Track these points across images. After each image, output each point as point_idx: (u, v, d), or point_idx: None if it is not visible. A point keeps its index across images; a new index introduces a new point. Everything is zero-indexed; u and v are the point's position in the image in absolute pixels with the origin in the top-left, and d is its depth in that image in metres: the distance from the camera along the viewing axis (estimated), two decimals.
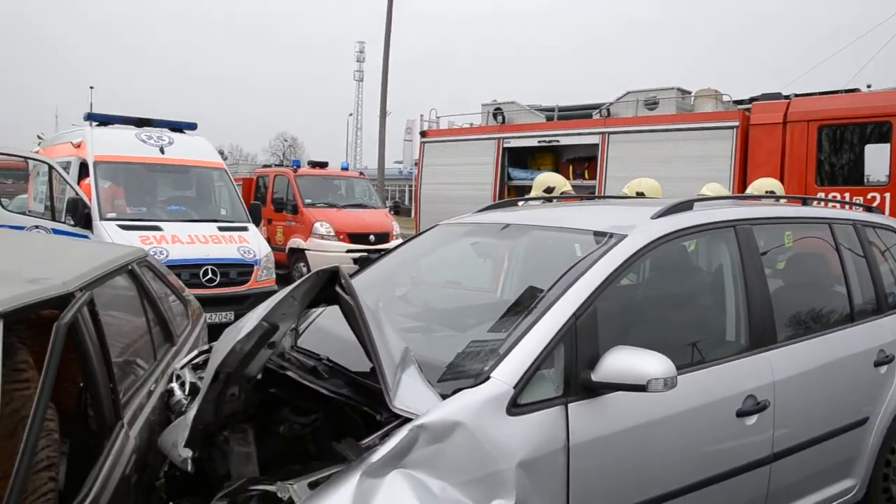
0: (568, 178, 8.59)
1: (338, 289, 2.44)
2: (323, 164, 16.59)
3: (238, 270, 8.49)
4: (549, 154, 12.35)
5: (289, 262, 14.15)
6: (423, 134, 14.25)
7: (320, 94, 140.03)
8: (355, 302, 2.36)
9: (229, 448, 2.65)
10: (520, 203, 4.49)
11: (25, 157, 9.63)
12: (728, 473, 2.94)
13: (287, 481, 2.25)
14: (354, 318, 2.40)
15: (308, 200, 14.57)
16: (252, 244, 8.86)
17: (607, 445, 2.57)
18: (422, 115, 14.61)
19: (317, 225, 13.86)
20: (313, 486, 2.22)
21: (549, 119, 12.40)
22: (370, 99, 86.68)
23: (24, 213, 9.28)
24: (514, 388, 2.39)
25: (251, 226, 9.35)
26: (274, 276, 9.10)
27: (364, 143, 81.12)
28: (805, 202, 4.51)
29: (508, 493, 2.29)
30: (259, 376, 2.83)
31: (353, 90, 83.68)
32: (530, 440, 2.38)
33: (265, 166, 21.21)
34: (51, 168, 8.64)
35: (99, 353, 2.40)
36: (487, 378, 2.40)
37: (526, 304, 2.76)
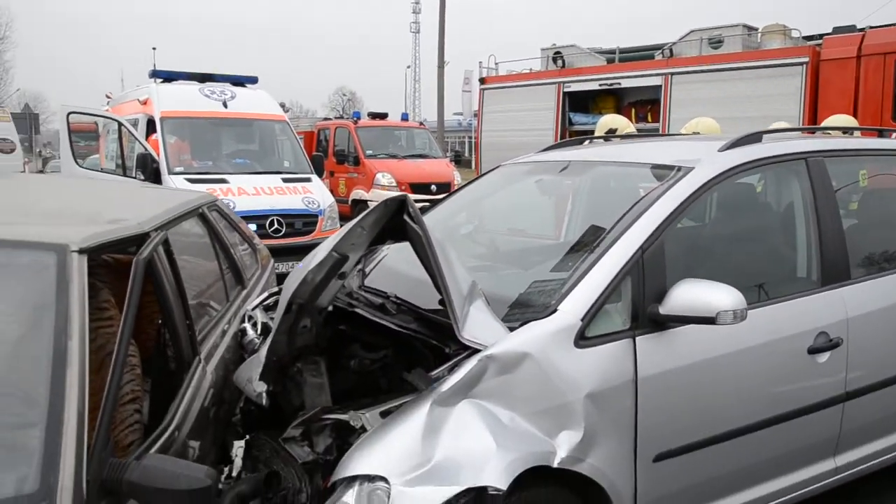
0: (630, 122, 8.45)
1: (405, 217, 2.45)
2: (383, 115, 16.62)
3: (303, 220, 8.62)
4: (611, 97, 12.13)
5: (352, 214, 14.26)
6: (482, 81, 14.10)
7: (377, 48, 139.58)
8: (423, 231, 2.36)
9: (302, 379, 2.72)
10: (585, 142, 4.42)
11: (97, 115, 9.90)
12: (799, 412, 2.89)
13: (359, 411, 2.32)
14: (422, 247, 2.41)
15: (369, 152, 14.66)
16: (316, 195, 8.97)
17: (676, 379, 2.55)
18: (480, 63, 14.45)
19: (378, 176, 13.95)
20: (385, 415, 2.28)
21: (610, 61, 12.15)
22: (427, 51, 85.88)
23: (97, 171, 9.56)
24: (582, 320, 2.40)
25: (314, 177, 9.45)
26: (338, 225, 9.18)
27: (423, 95, 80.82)
28: (881, 134, 4.32)
29: (577, 424, 2.32)
30: (330, 308, 2.89)
31: (410, 42, 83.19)
32: (598, 372, 2.39)
33: (325, 119, 21.38)
34: (120, 125, 8.86)
35: (175, 289, 2.49)
36: (555, 311, 2.41)
37: (591, 240, 2.74)
